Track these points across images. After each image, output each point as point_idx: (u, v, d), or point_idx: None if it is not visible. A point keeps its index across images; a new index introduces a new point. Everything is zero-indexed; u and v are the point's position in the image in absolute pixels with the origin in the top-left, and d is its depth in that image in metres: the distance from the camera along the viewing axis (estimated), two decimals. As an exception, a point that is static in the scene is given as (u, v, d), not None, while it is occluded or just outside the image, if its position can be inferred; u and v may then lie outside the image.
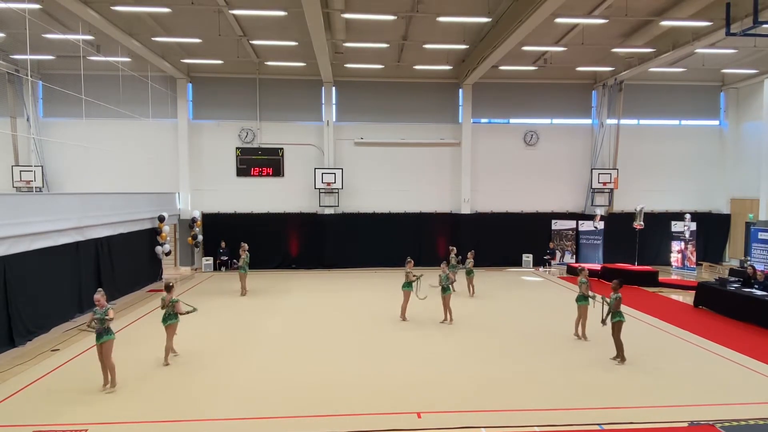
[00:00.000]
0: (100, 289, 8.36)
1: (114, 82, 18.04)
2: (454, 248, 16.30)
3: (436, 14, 13.99)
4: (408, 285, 12.29)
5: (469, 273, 15.48)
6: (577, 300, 10.92)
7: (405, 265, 12.79)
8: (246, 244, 15.80)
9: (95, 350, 10.03)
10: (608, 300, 9.42)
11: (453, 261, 15.76)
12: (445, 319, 12.14)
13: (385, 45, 16.60)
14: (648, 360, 9.52)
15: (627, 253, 19.78)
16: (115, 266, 14.67)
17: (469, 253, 15.85)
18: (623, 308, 9.73)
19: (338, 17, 14.40)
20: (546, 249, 21.14)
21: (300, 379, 8.61)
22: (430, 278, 13.93)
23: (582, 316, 10.86)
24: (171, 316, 9.26)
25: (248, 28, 15.97)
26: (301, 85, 20.69)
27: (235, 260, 15.66)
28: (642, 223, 18.96)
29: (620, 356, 9.33)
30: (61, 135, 18.74)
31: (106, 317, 7.93)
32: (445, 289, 12.03)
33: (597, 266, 19.03)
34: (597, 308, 10.27)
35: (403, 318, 12.47)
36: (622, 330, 9.35)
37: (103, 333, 7.98)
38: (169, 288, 9.32)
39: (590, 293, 10.68)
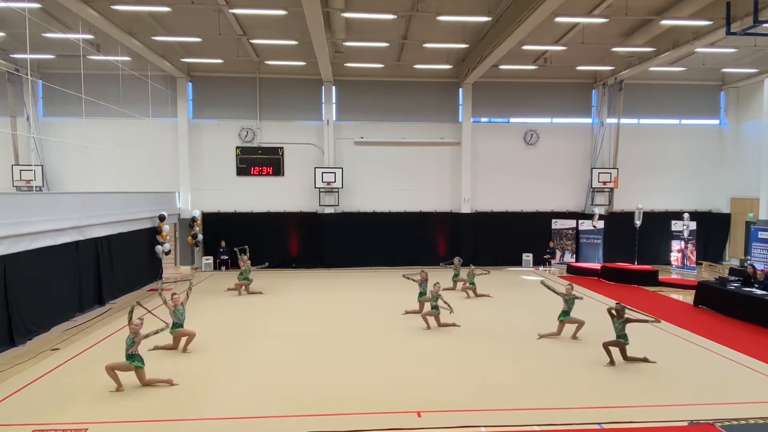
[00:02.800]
0: (142, 318, 8.38)
1: (114, 81, 18.00)
2: (460, 259, 16.11)
3: (436, 13, 13.95)
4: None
5: (471, 283, 14.94)
6: (560, 317, 10.83)
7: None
8: (249, 260, 15.84)
9: (95, 350, 10.13)
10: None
11: (457, 270, 15.69)
12: (428, 327, 11.67)
13: (385, 44, 16.58)
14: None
15: (627, 253, 19.79)
16: (115, 266, 14.67)
17: (456, 260, 15.80)
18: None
19: (338, 16, 14.38)
20: (546, 248, 21.15)
21: (300, 378, 8.62)
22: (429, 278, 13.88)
23: (577, 323, 10.76)
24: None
25: (248, 28, 15.96)
26: (301, 85, 20.67)
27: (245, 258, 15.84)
28: (639, 222, 18.99)
29: (610, 359, 9.26)
30: (61, 134, 18.72)
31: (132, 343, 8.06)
32: (434, 307, 11.61)
33: (597, 265, 19.05)
34: (594, 310, 10.26)
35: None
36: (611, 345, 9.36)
37: (128, 358, 8.07)
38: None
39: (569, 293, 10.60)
